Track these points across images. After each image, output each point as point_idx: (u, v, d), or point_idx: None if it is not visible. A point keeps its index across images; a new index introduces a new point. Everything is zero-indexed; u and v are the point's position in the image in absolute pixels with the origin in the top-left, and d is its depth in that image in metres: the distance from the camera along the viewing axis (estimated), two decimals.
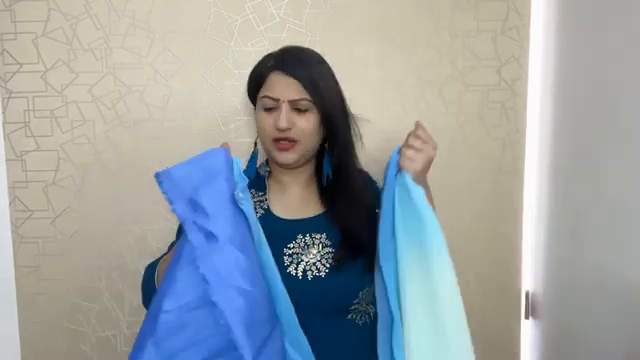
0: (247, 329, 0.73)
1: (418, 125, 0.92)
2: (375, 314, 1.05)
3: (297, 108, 0.94)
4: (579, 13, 1.27)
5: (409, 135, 0.92)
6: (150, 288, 0.91)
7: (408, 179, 0.85)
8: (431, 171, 1.51)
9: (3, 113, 1.25)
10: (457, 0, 1.35)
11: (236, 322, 0.73)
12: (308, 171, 1.03)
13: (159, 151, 1.29)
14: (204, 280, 0.74)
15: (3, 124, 1.25)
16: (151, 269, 0.95)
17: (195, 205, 0.77)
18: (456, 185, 1.41)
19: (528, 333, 1.48)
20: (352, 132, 1.02)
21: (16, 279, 1.28)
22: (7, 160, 1.26)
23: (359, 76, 1.33)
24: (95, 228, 1.29)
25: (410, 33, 1.35)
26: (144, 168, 1.29)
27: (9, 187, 1.26)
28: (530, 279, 1.47)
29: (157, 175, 0.79)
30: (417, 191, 0.83)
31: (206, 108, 1.30)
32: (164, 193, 0.79)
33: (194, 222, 0.77)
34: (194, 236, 0.76)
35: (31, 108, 1.25)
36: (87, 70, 1.26)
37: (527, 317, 1.48)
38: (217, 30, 1.29)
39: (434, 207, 0.91)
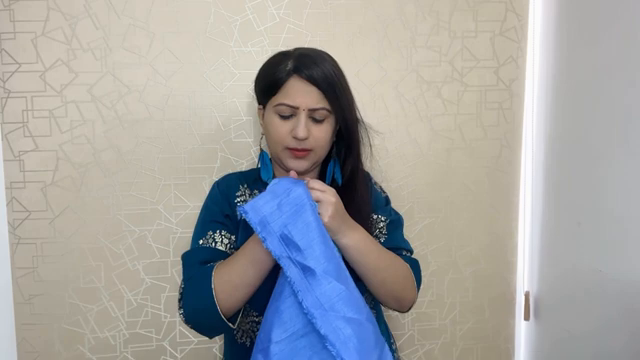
0: (359, 355, 0.76)
1: (309, 181, 0.89)
2: (376, 316, 1.05)
3: (314, 117, 0.93)
4: (577, 14, 1.28)
5: None
6: (206, 308, 0.87)
7: None
8: (429, 171, 1.50)
9: (1, 113, 1.23)
10: (456, 1, 1.37)
11: (348, 351, 0.75)
12: (312, 175, 1.03)
13: (159, 151, 1.29)
14: (309, 314, 0.77)
15: (1, 124, 1.24)
16: (197, 287, 0.90)
17: (287, 241, 0.80)
18: (454, 185, 1.42)
19: (527, 334, 1.49)
20: (360, 138, 1.01)
21: (13, 281, 1.26)
22: (5, 160, 1.24)
23: (359, 76, 1.34)
24: (94, 228, 1.28)
25: (410, 33, 1.36)
26: (144, 168, 1.29)
27: (6, 187, 1.25)
28: (529, 280, 1.48)
29: (243, 208, 0.82)
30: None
31: (206, 108, 1.30)
32: (250, 222, 0.82)
33: (289, 258, 0.80)
34: (292, 272, 0.79)
35: (30, 108, 1.24)
36: (86, 70, 1.25)
37: (526, 318, 1.48)
38: (217, 30, 1.29)
39: (366, 245, 0.93)
